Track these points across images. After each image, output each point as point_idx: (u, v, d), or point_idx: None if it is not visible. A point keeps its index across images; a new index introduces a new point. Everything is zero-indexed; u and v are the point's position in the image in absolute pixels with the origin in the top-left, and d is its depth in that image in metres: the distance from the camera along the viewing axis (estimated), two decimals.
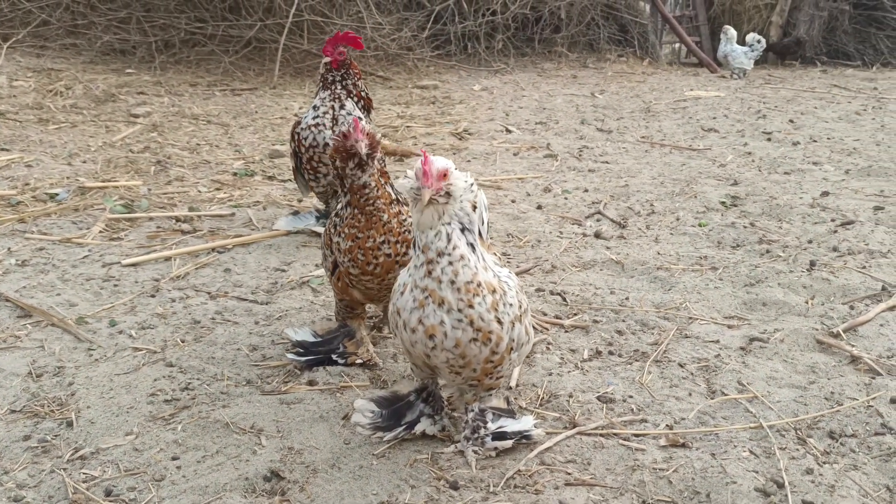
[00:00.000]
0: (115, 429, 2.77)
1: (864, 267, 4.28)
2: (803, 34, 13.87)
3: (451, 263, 2.39)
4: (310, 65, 10.89)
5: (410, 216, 3.03)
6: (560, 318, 3.72)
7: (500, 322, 2.45)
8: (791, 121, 8.62)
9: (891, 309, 3.73)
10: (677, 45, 16.02)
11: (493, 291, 2.44)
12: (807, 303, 3.86)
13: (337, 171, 3.04)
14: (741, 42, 12.22)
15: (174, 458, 2.60)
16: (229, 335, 3.52)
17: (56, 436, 2.72)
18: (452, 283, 2.39)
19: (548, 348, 3.43)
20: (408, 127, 8.27)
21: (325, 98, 4.59)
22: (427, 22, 12.29)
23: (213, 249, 4.66)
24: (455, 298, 2.39)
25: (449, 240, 2.39)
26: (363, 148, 2.90)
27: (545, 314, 3.77)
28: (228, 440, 2.71)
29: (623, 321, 3.69)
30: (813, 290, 4.01)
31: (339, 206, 3.12)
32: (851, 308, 3.78)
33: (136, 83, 9.73)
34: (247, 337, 3.51)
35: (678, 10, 16.98)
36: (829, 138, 7.69)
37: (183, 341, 3.46)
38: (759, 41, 12.02)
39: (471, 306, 2.40)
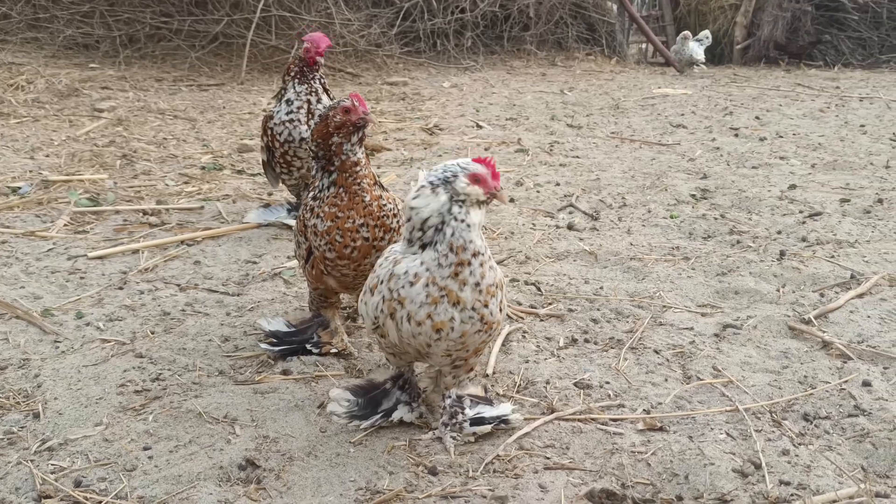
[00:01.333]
0: (84, 420, 2.69)
1: (833, 256, 4.34)
2: (779, 35, 14.15)
3: (482, 265, 2.39)
4: (278, 60, 10.77)
5: (389, 202, 3.03)
6: (535, 308, 3.72)
7: (501, 310, 2.51)
8: (757, 117, 8.74)
9: (860, 296, 3.78)
10: (644, 45, 16.18)
11: (502, 287, 2.49)
12: (778, 291, 3.90)
13: (322, 152, 3.00)
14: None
15: (146, 449, 2.54)
16: (200, 326, 3.46)
17: (22, 427, 2.64)
18: (477, 285, 2.39)
19: (524, 336, 3.42)
20: (378, 122, 8.22)
21: (300, 92, 4.52)
22: (396, 19, 12.25)
23: (183, 242, 4.57)
24: (473, 299, 2.39)
25: (482, 240, 2.41)
26: (374, 118, 2.88)
27: (520, 304, 3.76)
28: (201, 430, 2.65)
29: (598, 310, 3.69)
30: (783, 278, 4.06)
31: (316, 191, 3.07)
32: (822, 296, 3.82)
33: (100, 78, 9.55)
34: (218, 328, 3.45)
35: (645, 9, 17.16)
36: (794, 134, 7.80)
37: (153, 332, 3.39)
38: (707, 37, 13.31)
39: (486, 306, 2.42)
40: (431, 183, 2.43)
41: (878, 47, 14.16)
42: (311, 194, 3.13)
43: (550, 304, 3.78)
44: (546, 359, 3.21)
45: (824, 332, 3.42)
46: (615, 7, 15.13)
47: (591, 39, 14.18)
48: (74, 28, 10.74)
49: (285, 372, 3.04)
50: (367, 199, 2.98)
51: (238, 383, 2.98)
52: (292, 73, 4.53)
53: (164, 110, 8.35)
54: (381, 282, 2.49)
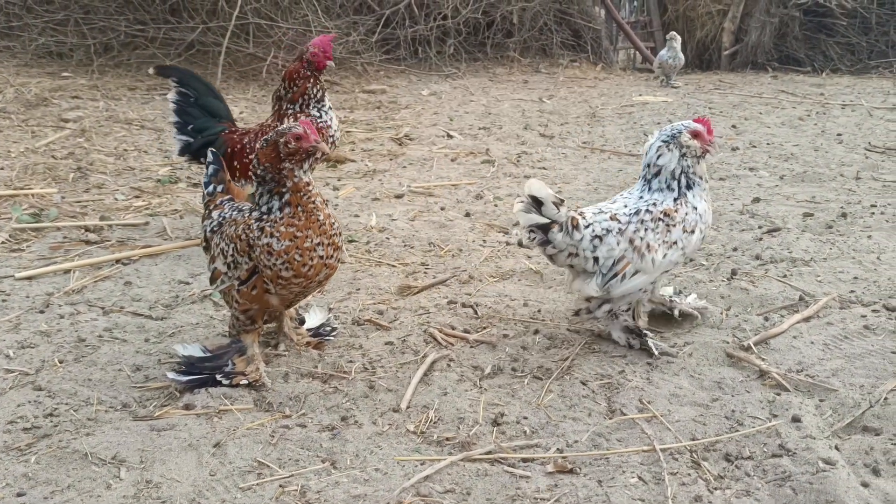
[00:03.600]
0: None
1: (785, 276, 4.18)
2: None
3: None
4: (254, 68, 10.67)
5: (334, 220, 3.02)
6: (468, 332, 3.57)
7: None
8: (734, 126, 8.58)
9: (806, 320, 3.63)
10: (633, 51, 16.02)
11: None
12: (722, 314, 3.74)
13: (270, 175, 2.93)
14: None
15: (19, 495, 2.39)
16: (113, 354, 3.32)
17: None
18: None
19: (449, 365, 3.26)
20: (348, 132, 8.08)
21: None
22: (377, 26, 12.12)
23: (118, 261, 4.44)
24: None
25: None
26: (325, 147, 2.91)
27: (454, 328, 3.61)
28: (84, 473, 2.51)
29: (533, 335, 3.54)
30: (730, 300, 3.90)
31: (262, 212, 2.97)
32: (766, 319, 3.66)
33: (72, 87, 9.44)
34: (132, 356, 3.31)
35: (633, 15, 17.02)
36: (768, 144, 7.64)
37: (61, 362, 3.25)
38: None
39: None
40: (665, 142, 3.28)
41: (867, 53, 13.99)
42: (253, 214, 3.02)
43: (485, 328, 3.63)
44: (467, 390, 3.06)
45: (763, 359, 3.26)
46: (602, 13, 14.99)
47: (577, 46, 14.05)
48: (48, 36, 10.64)
49: (188, 406, 2.90)
50: (321, 217, 2.97)
51: (137, 419, 2.83)
52: (324, 86, 4.74)
53: (132, 120, 8.22)
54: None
